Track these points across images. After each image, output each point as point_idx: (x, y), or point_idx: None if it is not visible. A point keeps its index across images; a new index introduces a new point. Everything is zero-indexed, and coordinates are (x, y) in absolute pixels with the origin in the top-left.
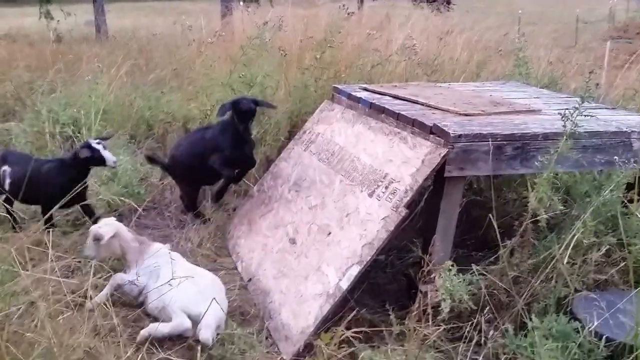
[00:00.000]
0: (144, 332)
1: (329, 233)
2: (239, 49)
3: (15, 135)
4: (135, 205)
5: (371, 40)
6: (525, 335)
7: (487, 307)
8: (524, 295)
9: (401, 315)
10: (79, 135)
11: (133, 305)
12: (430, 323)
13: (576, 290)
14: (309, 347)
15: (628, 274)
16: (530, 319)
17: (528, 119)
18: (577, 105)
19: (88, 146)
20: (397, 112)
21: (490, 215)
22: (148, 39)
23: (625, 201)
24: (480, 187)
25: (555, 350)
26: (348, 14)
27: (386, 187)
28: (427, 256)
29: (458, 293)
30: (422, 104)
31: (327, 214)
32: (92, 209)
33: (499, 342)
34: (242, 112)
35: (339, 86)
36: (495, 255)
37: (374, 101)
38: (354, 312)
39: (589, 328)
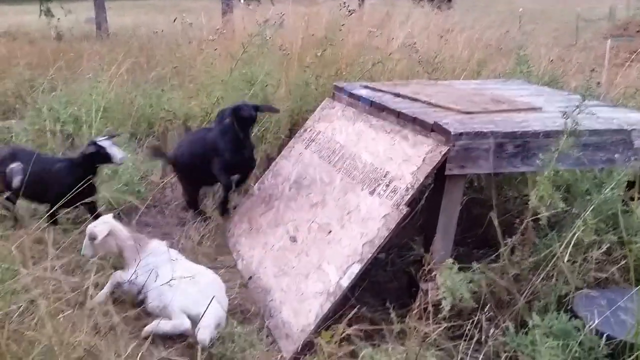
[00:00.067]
0: (147, 329)
1: (330, 231)
2: (239, 46)
3: (16, 133)
4: (137, 203)
5: (372, 38)
6: (526, 334)
7: (488, 305)
8: (524, 293)
9: (402, 314)
10: (79, 133)
11: (134, 304)
12: (430, 321)
13: (577, 288)
14: (309, 345)
15: (629, 272)
16: (531, 317)
17: (529, 117)
18: (578, 103)
19: (95, 144)
20: (398, 110)
21: (491, 213)
22: (149, 37)
23: (626, 199)
24: (481, 185)
25: (555, 348)
26: (349, 11)
27: (387, 185)
28: (428, 254)
29: (459, 291)
30: (423, 102)
31: (328, 212)
32: (95, 207)
33: (500, 340)
34: (243, 119)
35: (340, 84)
36: (496, 253)
37: (374, 99)
38: (355, 310)
39: (590, 326)
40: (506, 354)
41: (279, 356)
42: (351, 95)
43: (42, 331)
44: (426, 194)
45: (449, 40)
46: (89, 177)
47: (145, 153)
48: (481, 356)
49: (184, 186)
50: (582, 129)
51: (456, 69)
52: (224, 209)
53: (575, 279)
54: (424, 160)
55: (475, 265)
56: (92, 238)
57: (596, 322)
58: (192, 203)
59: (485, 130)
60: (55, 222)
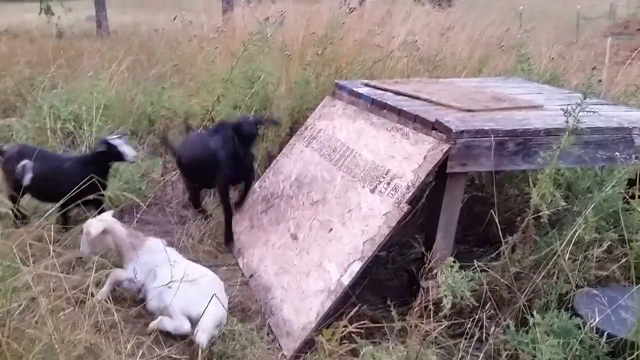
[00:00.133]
0: (152, 325)
1: (331, 229)
2: (240, 44)
3: (16, 131)
4: (138, 201)
5: (373, 36)
6: (527, 332)
7: (489, 304)
8: (525, 292)
9: (402, 312)
10: (80, 131)
11: (134, 301)
12: (431, 319)
13: (577, 287)
14: (310, 343)
15: (629, 270)
16: (532, 315)
17: (530, 115)
18: (579, 101)
19: (107, 142)
20: (399, 107)
21: (492, 211)
22: (149, 35)
23: (627, 197)
24: (482, 183)
25: (556, 346)
26: (350, 9)
27: (388, 183)
28: (429, 252)
29: (460, 289)
30: (424, 100)
31: (329, 210)
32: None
33: (501, 338)
34: (244, 137)
35: (341, 82)
36: (497, 252)
37: (375, 97)
38: (356, 308)
39: (591, 324)
40: (507, 352)
41: (280, 354)
42: (352, 93)
43: (43, 329)
44: (427, 192)
45: (450, 38)
46: (101, 175)
47: (157, 138)
48: (482, 354)
49: (186, 183)
50: (584, 127)
51: (457, 67)
52: (229, 235)
53: (576, 277)
54: (425, 158)
55: (476, 263)
56: (87, 235)
57: (597, 320)
58: (194, 200)
59: (486, 128)
60: (66, 221)
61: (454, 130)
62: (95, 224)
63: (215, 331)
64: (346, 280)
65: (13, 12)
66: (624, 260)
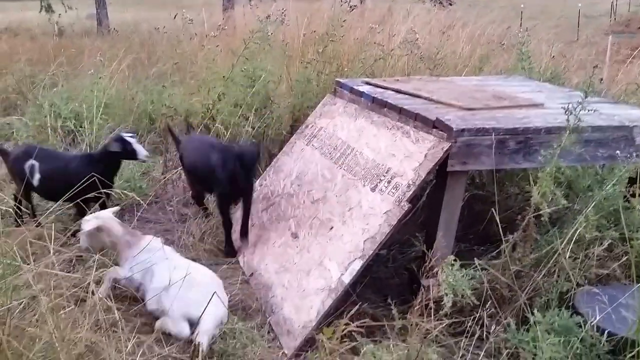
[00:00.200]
0: (157, 326)
1: (331, 227)
2: (241, 43)
3: (17, 129)
4: (139, 199)
5: (373, 34)
6: (528, 330)
7: (489, 302)
8: (526, 290)
9: (403, 310)
10: (80, 129)
11: (135, 300)
12: (432, 318)
13: (578, 285)
14: (310, 342)
15: (630, 269)
16: (533, 314)
17: (531, 113)
18: (580, 100)
19: (120, 139)
20: (400, 106)
21: (492, 209)
22: (150, 33)
23: (628, 195)
24: (483, 181)
25: (557, 344)
26: (350, 7)
27: (389, 182)
28: (430, 251)
29: (460, 288)
30: (425, 98)
31: (330, 209)
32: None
33: (501, 336)
34: (246, 165)
35: (342, 80)
36: (498, 250)
37: (376, 95)
38: (356, 306)
39: (591, 323)
40: (507, 350)
41: (280, 352)
42: (353, 91)
43: (43, 327)
44: (428, 191)
45: (450, 36)
46: (112, 173)
47: (162, 128)
48: (482, 353)
49: (188, 179)
50: (584, 125)
51: (458, 65)
52: (230, 249)
53: (577, 275)
54: (425, 156)
55: (476, 261)
56: (82, 231)
57: (597, 318)
58: (197, 197)
59: (487, 127)
60: (83, 212)
61: (454, 129)
62: (89, 221)
63: (216, 330)
64: (347, 279)
65: (14, 10)
66: (624, 258)
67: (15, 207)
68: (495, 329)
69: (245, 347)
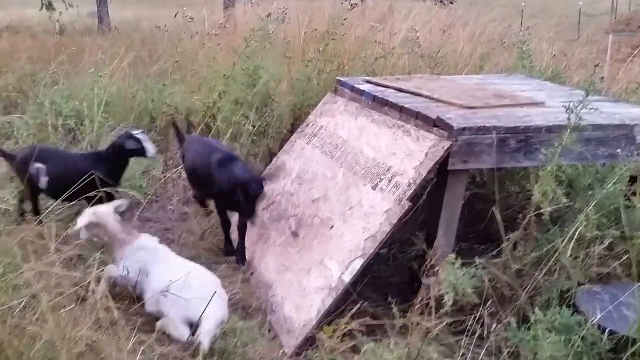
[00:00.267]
0: (158, 324)
1: (332, 226)
2: (241, 41)
3: (17, 128)
4: (139, 198)
5: (374, 33)
6: (528, 329)
7: (490, 301)
8: (526, 289)
9: (404, 309)
10: (81, 127)
11: (135, 299)
12: (432, 316)
13: (579, 284)
14: (311, 340)
15: (631, 267)
16: (533, 312)
17: (531, 112)
18: (581, 98)
19: (132, 137)
20: (401, 104)
21: (493, 208)
22: (151, 31)
23: (628, 194)
24: (484, 180)
25: (558, 343)
26: (351, 5)
27: (389, 180)
28: (430, 249)
29: (461, 286)
30: (426, 97)
31: (330, 207)
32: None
33: (502, 335)
34: (250, 197)
35: (342, 79)
36: (498, 249)
37: (377, 94)
38: (357, 305)
39: (592, 321)
40: (508, 349)
41: (281, 351)
42: (353, 89)
43: (44, 326)
44: (428, 189)
45: (451, 34)
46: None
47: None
48: (483, 351)
49: (188, 177)
50: (585, 124)
51: (458, 64)
52: (229, 248)
53: (578, 274)
54: (426, 155)
55: (477, 260)
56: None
57: (598, 317)
58: (199, 197)
59: (488, 125)
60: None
61: (455, 127)
62: (86, 216)
63: (217, 330)
64: (347, 278)
65: (14, 7)
66: (625, 257)
67: (17, 206)
68: (495, 327)
69: (246, 346)
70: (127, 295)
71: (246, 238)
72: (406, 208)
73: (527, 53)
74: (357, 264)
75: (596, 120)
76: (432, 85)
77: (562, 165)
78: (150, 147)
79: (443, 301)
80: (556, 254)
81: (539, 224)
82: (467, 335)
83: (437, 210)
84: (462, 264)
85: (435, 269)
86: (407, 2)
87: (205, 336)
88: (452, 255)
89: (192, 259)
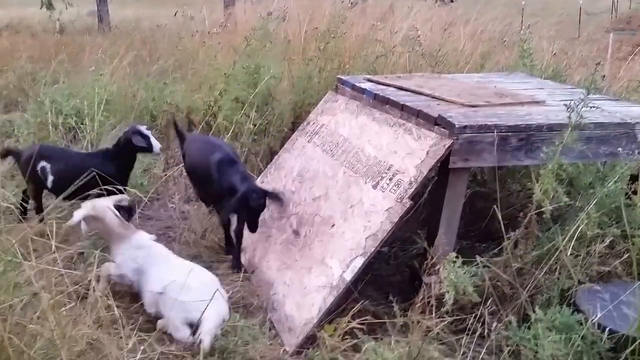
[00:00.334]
0: (159, 323)
1: (333, 225)
2: (242, 39)
3: (18, 126)
4: (141, 196)
5: (375, 31)
6: (529, 327)
7: (491, 299)
8: (527, 287)
9: (404, 307)
10: (82, 126)
11: (136, 297)
12: (433, 315)
13: (580, 282)
14: (312, 339)
15: (631, 266)
16: (534, 311)
17: (532, 110)
18: (582, 97)
19: (140, 133)
20: (402, 103)
21: (494, 206)
22: (151, 30)
23: (629, 192)
24: (485, 178)
25: (558, 342)
26: (352, 4)
27: (390, 179)
28: (431, 248)
29: (462, 285)
30: (427, 95)
31: (331, 206)
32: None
33: (503, 334)
34: (252, 208)
35: (343, 77)
36: (499, 247)
37: (378, 92)
38: (358, 304)
39: (593, 320)
40: (509, 348)
41: (282, 350)
42: (354, 88)
43: (45, 324)
44: (429, 188)
45: (452, 33)
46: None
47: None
48: (484, 350)
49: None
50: (586, 123)
51: (459, 62)
52: (229, 247)
53: (578, 272)
54: (427, 153)
55: (478, 259)
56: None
57: (599, 316)
58: (200, 195)
59: (489, 124)
60: None
61: (456, 126)
62: (83, 209)
63: (219, 329)
64: (348, 276)
65: (14, 6)
66: (626, 256)
67: (20, 203)
68: (496, 326)
69: (247, 345)
70: (128, 294)
71: (247, 236)
72: (407, 206)
73: (528, 51)
74: (358, 263)
75: (597, 119)
76: (433, 84)
77: (563, 163)
78: (156, 144)
79: (444, 300)
80: (557, 253)
81: (539, 223)
82: (467, 334)
83: (438, 208)
84: (463, 263)
85: (436, 267)
86: (407, 0)
87: (206, 335)
88: (453, 254)
89: (194, 257)
